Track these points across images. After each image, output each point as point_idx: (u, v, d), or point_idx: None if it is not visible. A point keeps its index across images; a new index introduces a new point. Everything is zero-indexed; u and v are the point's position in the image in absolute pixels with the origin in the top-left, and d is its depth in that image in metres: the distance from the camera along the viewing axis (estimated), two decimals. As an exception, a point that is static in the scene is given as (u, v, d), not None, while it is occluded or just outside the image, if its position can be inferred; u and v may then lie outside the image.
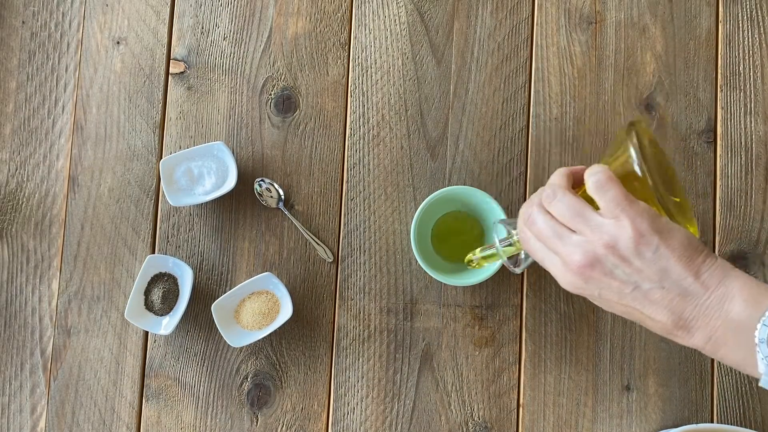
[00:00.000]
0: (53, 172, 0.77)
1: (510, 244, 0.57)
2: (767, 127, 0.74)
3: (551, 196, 0.50)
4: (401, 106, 0.75)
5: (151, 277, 0.73)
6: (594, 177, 0.49)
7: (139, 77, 0.77)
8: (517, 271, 0.58)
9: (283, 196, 0.74)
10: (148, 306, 0.73)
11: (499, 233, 0.58)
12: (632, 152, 0.50)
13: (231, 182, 0.72)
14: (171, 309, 0.73)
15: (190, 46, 0.77)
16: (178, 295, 0.73)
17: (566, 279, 0.49)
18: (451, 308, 0.73)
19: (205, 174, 0.73)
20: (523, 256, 0.57)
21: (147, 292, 0.73)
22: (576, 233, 0.48)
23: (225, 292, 0.74)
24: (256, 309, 0.71)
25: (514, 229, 0.56)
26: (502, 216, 0.67)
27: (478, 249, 0.63)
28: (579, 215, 0.48)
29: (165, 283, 0.73)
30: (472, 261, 0.63)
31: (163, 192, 0.74)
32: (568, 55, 0.75)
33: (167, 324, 0.72)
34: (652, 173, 0.49)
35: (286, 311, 0.71)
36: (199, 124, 0.76)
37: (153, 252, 0.75)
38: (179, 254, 0.75)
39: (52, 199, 0.76)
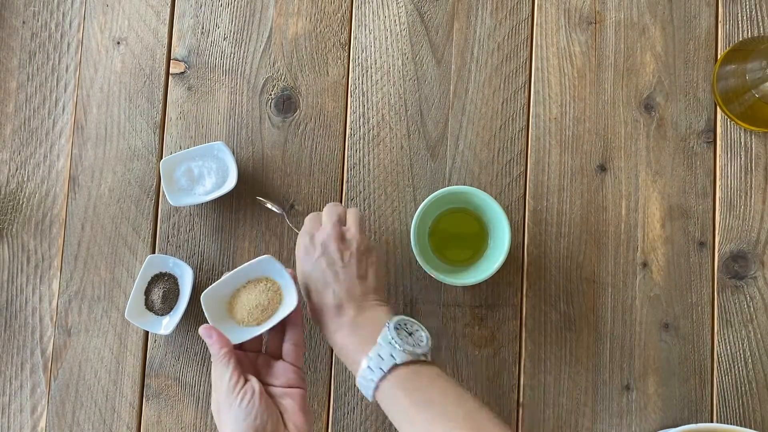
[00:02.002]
0: (53, 172, 0.77)
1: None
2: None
3: None
4: (401, 106, 0.76)
5: (152, 277, 0.73)
6: None
7: (139, 77, 0.77)
8: None
9: (285, 213, 0.74)
10: (149, 306, 0.73)
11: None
12: None
13: (231, 182, 0.72)
14: (171, 309, 0.73)
15: (190, 46, 0.77)
16: (178, 295, 0.73)
17: None
18: (451, 308, 0.73)
19: (205, 174, 0.73)
20: None
21: (147, 292, 0.73)
22: None
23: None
24: (253, 301, 0.61)
25: None
26: (503, 216, 0.67)
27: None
28: None
29: (165, 282, 0.73)
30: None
31: (164, 192, 0.74)
32: (568, 55, 0.75)
33: (167, 324, 0.72)
34: None
35: (290, 302, 0.61)
36: (199, 124, 0.76)
37: (153, 252, 0.75)
38: (179, 254, 0.75)
39: (53, 199, 0.77)
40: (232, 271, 0.62)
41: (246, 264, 0.62)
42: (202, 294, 0.61)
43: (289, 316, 0.60)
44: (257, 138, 0.76)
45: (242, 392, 0.57)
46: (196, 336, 0.74)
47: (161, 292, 0.72)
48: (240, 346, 0.61)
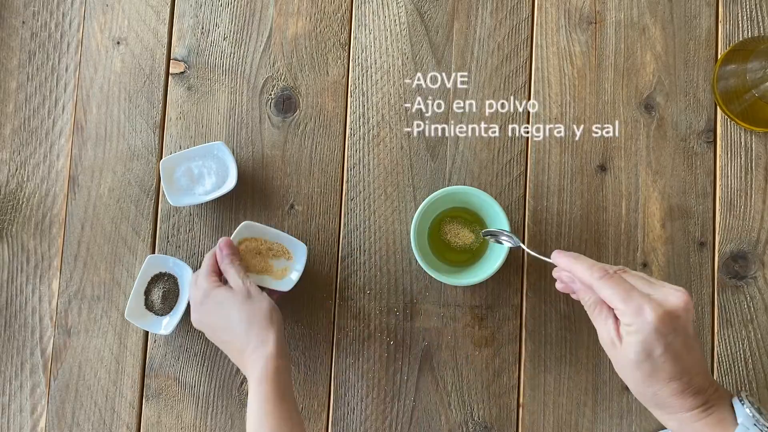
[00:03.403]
0: (53, 172, 0.77)
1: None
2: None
3: None
4: (401, 106, 0.75)
5: (151, 277, 0.73)
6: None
7: (139, 77, 0.77)
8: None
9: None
10: (149, 306, 0.73)
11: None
12: None
13: (231, 182, 0.72)
14: (171, 309, 0.73)
15: (190, 46, 0.77)
16: (178, 295, 0.73)
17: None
18: (451, 308, 0.73)
19: (205, 174, 0.73)
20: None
21: (147, 292, 0.73)
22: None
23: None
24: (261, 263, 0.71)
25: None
26: (503, 216, 0.67)
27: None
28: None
29: (165, 283, 0.73)
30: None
31: (163, 192, 0.74)
32: (568, 55, 0.75)
33: (167, 324, 0.72)
34: None
35: (286, 283, 0.70)
36: (199, 124, 0.76)
37: (153, 252, 0.75)
38: (179, 254, 0.75)
39: (52, 199, 0.76)
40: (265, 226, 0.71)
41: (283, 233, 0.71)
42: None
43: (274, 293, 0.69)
44: (257, 138, 0.76)
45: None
46: (196, 336, 0.74)
47: (161, 292, 0.72)
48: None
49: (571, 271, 0.56)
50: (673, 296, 0.51)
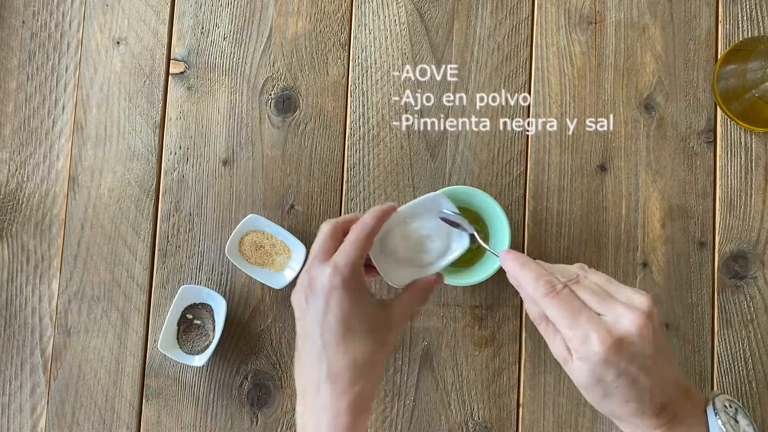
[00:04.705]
0: (53, 172, 0.77)
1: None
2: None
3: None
4: (401, 106, 0.75)
5: (185, 308, 0.73)
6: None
7: (139, 77, 0.77)
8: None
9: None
10: (181, 344, 0.73)
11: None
12: None
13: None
14: (205, 348, 0.72)
15: (190, 46, 0.77)
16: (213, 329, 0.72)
17: None
18: (451, 308, 0.73)
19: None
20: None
21: (180, 327, 0.73)
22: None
23: (224, 294, 0.74)
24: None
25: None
26: (503, 217, 0.67)
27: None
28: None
29: (197, 317, 0.73)
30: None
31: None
32: (568, 55, 0.75)
33: (200, 359, 0.72)
34: None
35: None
36: (199, 124, 0.76)
37: (153, 252, 0.75)
38: (179, 254, 0.75)
39: (52, 199, 0.77)
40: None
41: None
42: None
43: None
44: (257, 138, 0.76)
45: None
46: (196, 336, 0.74)
47: (193, 331, 0.73)
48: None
49: (517, 279, 0.51)
50: (627, 318, 0.46)
